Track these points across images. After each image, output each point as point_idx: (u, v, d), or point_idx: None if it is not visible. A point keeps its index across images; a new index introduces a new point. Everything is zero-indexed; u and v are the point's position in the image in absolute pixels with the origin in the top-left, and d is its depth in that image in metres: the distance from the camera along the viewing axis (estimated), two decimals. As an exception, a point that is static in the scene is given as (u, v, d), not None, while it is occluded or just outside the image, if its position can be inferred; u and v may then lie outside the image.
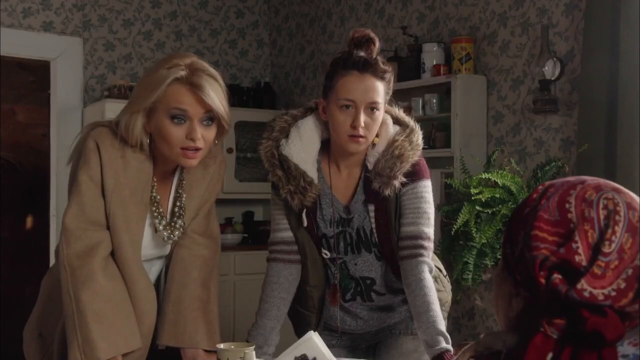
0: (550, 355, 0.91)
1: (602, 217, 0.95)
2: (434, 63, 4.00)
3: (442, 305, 2.12)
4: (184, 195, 2.02)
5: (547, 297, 0.94)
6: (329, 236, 2.14)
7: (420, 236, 2.06)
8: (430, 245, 2.08)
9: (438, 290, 2.12)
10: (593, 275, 0.92)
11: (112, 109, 4.46)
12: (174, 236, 2.00)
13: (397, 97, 4.42)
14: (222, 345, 1.92)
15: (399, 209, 2.08)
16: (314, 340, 1.88)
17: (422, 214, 2.07)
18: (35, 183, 5.09)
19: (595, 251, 0.94)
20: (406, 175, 2.05)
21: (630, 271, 0.93)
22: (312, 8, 5.14)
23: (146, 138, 1.91)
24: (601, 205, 0.96)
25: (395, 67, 4.19)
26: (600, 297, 0.92)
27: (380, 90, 2.01)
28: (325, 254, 2.16)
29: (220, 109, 1.86)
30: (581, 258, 0.93)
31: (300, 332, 2.15)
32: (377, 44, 2.05)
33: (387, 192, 2.04)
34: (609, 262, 0.93)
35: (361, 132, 1.99)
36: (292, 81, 5.31)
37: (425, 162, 2.12)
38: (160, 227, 1.99)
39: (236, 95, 5.09)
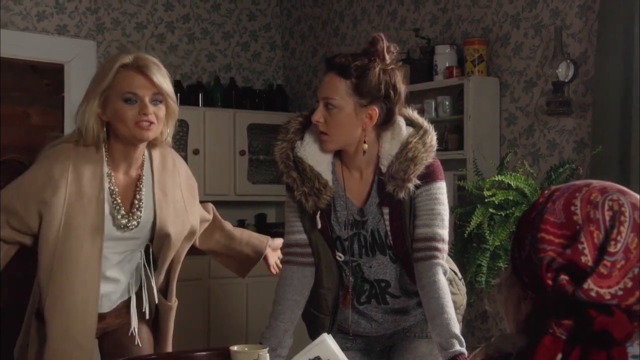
0: (559, 356, 0.92)
1: (607, 218, 0.96)
2: (447, 65, 4.00)
3: (456, 308, 2.12)
4: (144, 190, 2.19)
5: (554, 299, 0.95)
6: (343, 238, 2.14)
7: (434, 238, 2.05)
8: (444, 247, 2.07)
9: (453, 294, 2.12)
10: (599, 275, 0.93)
11: (126, 111, 4.49)
12: (130, 225, 2.16)
13: (410, 99, 4.42)
14: (235, 348, 1.93)
15: (413, 210, 2.07)
16: (328, 342, 1.88)
17: (436, 215, 2.06)
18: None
19: (601, 251, 0.95)
20: (420, 177, 2.04)
21: (636, 270, 0.94)
22: (324, 11, 5.15)
23: (102, 131, 2.11)
24: (606, 207, 0.97)
25: (407, 70, 4.19)
26: (607, 297, 0.93)
27: (338, 88, 2.01)
28: (340, 257, 2.16)
29: (166, 88, 2.07)
30: (587, 258, 0.94)
31: (314, 334, 2.15)
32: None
33: (401, 194, 2.03)
34: (615, 262, 0.94)
35: (320, 127, 2.04)
36: (304, 83, 5.32)
37: (439, 164, 2.11)
38: (119, 216, 2.15)
39: (248, 98, 5.11)
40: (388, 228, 2.09)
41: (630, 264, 0.94)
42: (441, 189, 2.09)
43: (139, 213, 2.17)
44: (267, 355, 1.76)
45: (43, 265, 2.13)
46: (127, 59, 2.08)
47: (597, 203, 0.98)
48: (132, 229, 2.18)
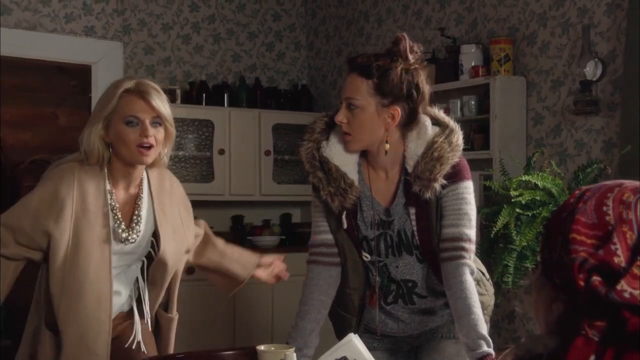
0: (592, 357, 0.91)
1: None
2: (472, 64, 3.98)
3: (484, 309, 2.11)
4: (142, 207, 2.30)
5: (587, 300, 0.94)
6: (370, 238, 2.14)
7: (461, 238, 2.04)
8: (471, 247, 2.06)
9: (480, 294, 2.10)
10: (633, 276, 0.92)
11: (152, 112, 4.53)
12: (131, 239, 2.26)
13: (435, 99, 4.40)
14: (262, 347, 1.93)
15: (440, 210, 2.06)
16: (354, 342, 1.88)
17: (463, 215, 2.05)
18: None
19: (635, 252, 0.93)
20: (446, 176, 2.03)
21: None
22: (349, 10, 5.14)
23: (106, 151, 2.23)
24: (639, 207, 0.95)
25: (432, 69, 4.18)
26: None
27: (360, 88, 2.02)
28: (366, 257, 2.16)
29: (164, 112, 2.21)
30: (620, 259, 0.93)
31: (340, 334, 2.15)
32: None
33: (428, 195, 2.03)
34: None
35: (343, 127, 2.05)
36: (329, 83, 5.32)
37: (466, 163, 2.10)
38: (119, 230, 2.25)
39: (273, 98, 5.12)
40: (415, 228, 2.08)
41: None
42: (468, 189, 2.08)
43: (137, 228, 2.28)
44: (294, 355, 1.77)
45: (55, 278, 2.20)
46: (130, 84, 2.22)
47: (630, 203, 0.96)
48: (132, 242, 2.27)
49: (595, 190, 1.01)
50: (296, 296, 2.26)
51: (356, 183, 2.10)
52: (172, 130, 2.26)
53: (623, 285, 0.92)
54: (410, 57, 2.03)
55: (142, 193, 2.31)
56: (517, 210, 3.15)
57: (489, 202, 3.54)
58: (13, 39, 4.47)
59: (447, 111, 4.00)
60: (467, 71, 4.00)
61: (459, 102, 4.00)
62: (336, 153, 2.10)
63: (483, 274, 2.28)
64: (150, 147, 2.18)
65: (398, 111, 2.03)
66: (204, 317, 4.45)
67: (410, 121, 2.06)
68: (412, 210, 2.08)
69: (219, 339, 4.41)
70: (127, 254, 2.30)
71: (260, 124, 4.89)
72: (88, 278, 2.21)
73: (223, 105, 4.88)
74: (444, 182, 2.03)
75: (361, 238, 2.15)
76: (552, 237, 1.01)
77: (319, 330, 2.18)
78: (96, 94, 4.78)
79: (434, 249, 2.08)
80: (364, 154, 2.14)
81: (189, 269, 4.39)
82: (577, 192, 1.04)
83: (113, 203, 2.26)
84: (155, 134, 2.20)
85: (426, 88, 2.07)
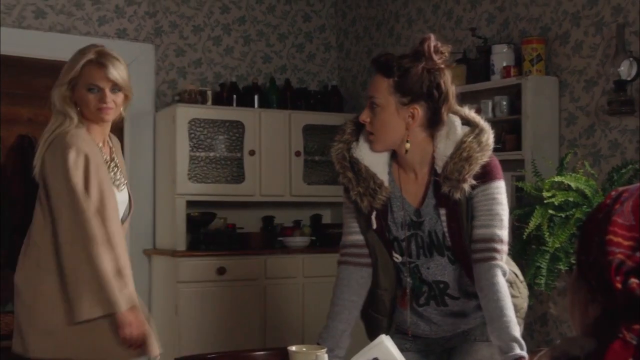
0: None
1: None
2: (504, 65, 3.94)
3: (517, 311, 2.09)
4: (116, 159, 2.69)
5: (624, 302, 0.93)
6: (401, 239, 2.14)
7: (492, 239, 2.02)
8: (503, 248, 2.04)
9: (513, 296, 2.08)
10: None
11: (183, 113, 4.56)
12: (122, 185, 2.65)
13: (466, 99, 4.37)
14: (294, 348, 1.94)
15: (471, 211, 2.05)
16: (386, 344, 1.88)
17: (495, 215, 2.03)
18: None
19: None
20: (476, 176, 2.02)
21: None
22: (379, 11, 5.13)
23: (74, 108, 2.55)
24: None
25: (463, 70, 4.15)
26: None
27: (381, 87, 2.04)
28: (397, 258, 2.15)
29: (121, 81, 2.58)
30: None
31: (372, 335, 2.14)
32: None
33: (457, 195, 2.02)
34: None
35: (367, 127, 2.09)
36: (359, 84, 5.32)
37: (497, 163, 2.08)
38: (111, 173, 2.61)
39: (303, 99, 5.13)
40: (445, 229, 2.07)
41: None
42: (499, 189, 2.06)
43: (121, 177, 2.65)
44: (326, 355, 1.77)
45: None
46: (92, 55, 2.58)
47: None
48: (122, 189, 2.64)
49: (633, 192, 0.99)
50: (327, 297, 2.27)
51: (386, 183, 2.10)
52: (130, 94, 2.65)
53: None
54: (435, 57, 2.03)
55: (113, 150, 2.68)
56: (550, 211, 3.11)
57: (521, 204, 3.51)
58: (47, 42, 4.54)
59: (479, 112, 3.97)
60: (499, 71, 3.96)
61: (490, 103, 3.97)
62: (366, 154, 2.11)
63: (517, 275, 2.26)
64: (108, 109, 2.56)
65: (418, 110, 2.03)
66: (235, 317, 4.47)
67: (434, 121, 2.06)
68: (443, 211, 2.07)
69: (250, 339, 4.43)
70: (121, 204, 2.61)
71: (290, 125, 4.90)
72: (117, 231, 2.50)
73: (253, 106, 4.90)
74: (473, 182, 2.01)
75: (392, 239, 2.15)
76: (588, 238, 1.00)
77: (350, 331, 2.18)
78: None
79: (466, 250, 2.06)
80: (395, 155, 2.14)
81: (220, 269, 4.43)
82: (613, 193, 1.02)
83: (105, 156, 2.60)
84: (115, 99, 2.58)
85: (451, 89, 2.06)
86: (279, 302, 4.62)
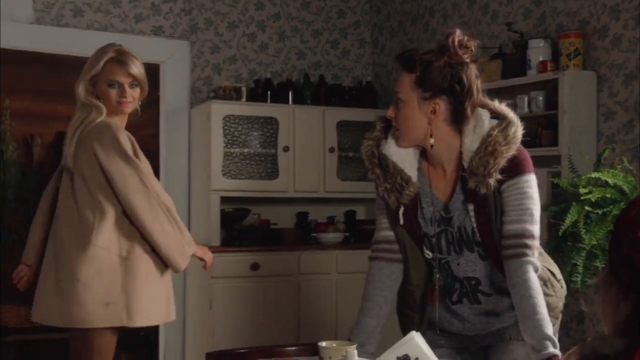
0: None
1: None
2: (540, 59, 3.89)
3: (551, 310, 2.05)
4: None
5: None
6: (430, 235, 2.12)
7: (523, 234, 1.99)
8: (534, 243, 2.00)
9: (547, 295, 2.05)
10: None
11: (218, 109, 4.59)
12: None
13: (502, 95, 4.31)
14: (324, 344, 1.93)
15: (501, 206, 2.02)
16: (416, 340, 1.86)
17: (525, 210, 1.99)
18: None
19: None
20: (504, 170, 1.99)
21: None
22: (414, 6, 5.10)
23: (98, 100, 2.83)
24: None
25: (499, 65, 4.11)
26: None
27: (404, 82, 2.05)
28: (428, 254, 2.14)
29: (140, 76, 2.85)
30: None
31: (405, 331, 2.13)
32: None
33: (483, 190, 2.00)
34: None
35: (393, 122, 2.11)
36: (393, 80, 5.29)
37: (526, 155, 2.04)
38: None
39: (338, 95, 5.12)
40: (474, 225, 2.05)
41: None
42: (529, 182, 2.02)
43: None
44: (355, 351, 1.76)
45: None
46: (112, 54, 2.84)
47: None
48: None
49: None
50: (360, 293, 2.26)
51: (414, 179, 2.09)
52: (145, 88, 2.91)
53: None
54: (459, 51, 2.01)
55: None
56: (587, 208, 3.07)
57: (557, 200, 3.46)
58: (85, 40, 4.60)
59: (514, 107, 3.93)
60: (535, 66, 3.91)
61: (526, 98, 3.92)
62: (394, 150, 2.11)
63: (553, 274, 2.21)
64: (127, 102, 2.83)
65: (439, 105, 2.02)
66: (269, 313, 4.49)
67: (457, 116, 2.04)
68: (471, 207, 2.05)
69: (283, 335, 4.44)
70: None
71: (324, 121, 4.90)
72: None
73: (288, 102, 4.90)
74: (500, 176, 1.98)
75: (422, 235, 2.14)
76: (620, 234, 0.98)
77: (381, 326, 2.17)
78: (164, 92, 4.88)
79: (496, 246, 2.04)
80: (425, 151, 2.13)
81: (254, 265, 4.45)
82: None
83: (135, 145, 2.82)
84: (133, 93, 2.84)
85: (475, 83, 2.03)
86: (312, 298, 4.63)
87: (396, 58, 2.12)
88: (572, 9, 3.96)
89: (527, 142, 3.86)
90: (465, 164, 2.03)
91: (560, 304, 2.24)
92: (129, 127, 2.91)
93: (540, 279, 2.05)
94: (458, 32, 2.03)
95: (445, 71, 2.00)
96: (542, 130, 3.83)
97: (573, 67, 3.76)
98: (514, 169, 1.99)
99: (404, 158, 2.10)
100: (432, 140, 2.05)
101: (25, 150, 6.17)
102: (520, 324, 1.97)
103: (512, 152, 1.99)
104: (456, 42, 2.01)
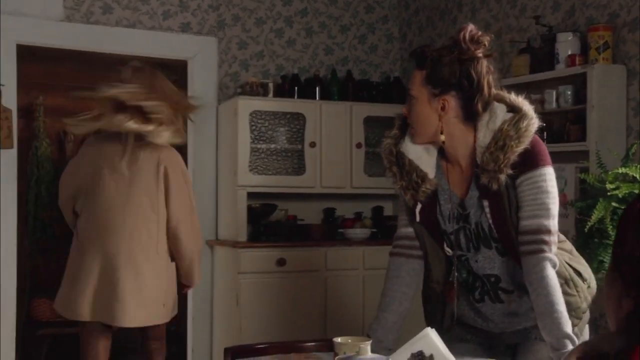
0: None
1: None
2: (569, 53, 3.83)
3: (572, 310, 2.02)
4: None
5: None
6: (449, 232, 2.10)
7: (540, 230, 1.94)
8: (552, 239, 1.95)
9: (568, 294, 2.01)
10: None
11: (245, 105, 4.60)
12: None
13: (530, 89, 4.25)
14: (339, 339, 1.93)
15: (516, 201, 1.98)
16: (431, 337, 1.85)
17: (540, 205, 1.95)
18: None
19: None
20: (517, 165, 1.95)
21: None
22: (442, 1, 5.06)
23: None
24: None
25: (527, 59, 4.05)
26: None
27: (415, 78, 2.04)
28: (448, 251, 2.12)
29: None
30: None
31: (430, 326, 2.12)
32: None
33: (496, 186, 1.96)
34: None
35: (408, 120, 2.08)
36: (422, 75, 5.25)
37: (542, 148, 1.99)
38: None
39: (365, 91, 5.10)
40: (490, 221, 2.02)
41: None
42: (544, 175, 1.97)
43: None
44: (369, 347, 1.75)
45: None
46: None
47: None
48: None
49: None
50: None
51: (430, 176, 2.08)
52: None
53: None
54: (471, 46, 1.98)
55: None
56: (614, 204, 3.01)
57: (585, 196, 3.41)
58: (114, 37, 4.65)
59: (542, 102, 3.87)
60: (564, 60, 3.85)
61: (554, 93, 3.86)
62: (412, 147, 2.09)
63: (579, 274, 2.15)
64: None
65: (448, 101, 2.00)
66: (296, 308, 4.49)
67: (468, 112, 2.02)
68: (486, 203, 2.01)
69: (310, 330, 4.45)
70: None
71: (351, 117, 4.89)
72: None
73: (315, 98, 4.90)
74: (510, 171, 1.95)
75: (441, 232, 2.12)
76: (624, 230, 0.96)
77: (401, 323, 2.16)
78: (192, 88, 4.90)
79: (514, 242, 2.00)
80: (443, 149, 2.11)
81: (280, 260, 4.46)
82: None
83: None
84: None
85: (485, 78, 2.00)
86: (339, 294, 4.62)
87: (409, 54, 2.12)
88: (602, 1, 3.89)
89: (555, 137, 3.82)
90: (478, 160, 2.00)
91: (584, 304, 2.18)
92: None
93: (561, 276, 2.01)
94: (471, 27, 2.01)
95: (454, 67, 1.98)
96: (570, 125, 3.78)
97: (602, 60, 3.70)
98: (528, 162, 1.95)
99: (420, 155, 2.09)
100: (442, 137, 2.03)
101: (58, 147, 6.25)
102: (539, 322, 1.93)
103: (523, 145, 1.94)
104: (467, 37, 1.98)
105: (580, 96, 3.78)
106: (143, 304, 3.17)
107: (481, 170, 1.99)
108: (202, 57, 4.89)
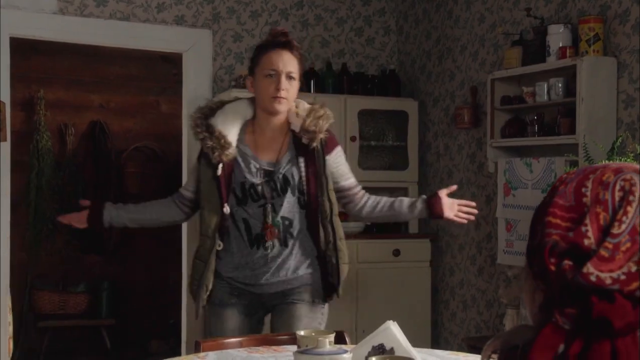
0: (561, 347, 0.84)
1: (617, 198, 0.87)
2: (560, 45, 3.79)
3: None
4: None
5: (558, 286, 0.87)
6: (257, 184, 2.59)
7: (357, 185, 2.78)
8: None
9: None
10: (600, 258, 0.85)
11: (238, 98, 4.59)
12: None
13: (521, 82, 4.20)
14: (302, 333, 1.94)
15: (331, 170, 2.66)
16: (392, 330, 1.85)
17: (349, 171, 2.78)
18: (176, 171, 5.34)
19: (605, 233, 0.86)
20: (324, 142, 2.62)
21: None
22: (438, -8, 5.02)
23: None
24: (617, 187, 0.88)
25: (519, 51, 4.02)
26: (608, 281, 0.84)
27: (293, 60, 2.62)
28: (226, 210, 2.60)
29: None
30: (590, 241, 0.86)
31: (195, 279, 2.70)
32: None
33: (314, 144, 2.58)
34: (619, 244, 0.85)
35: (282, 94, 2.58)
36: (417, 68, 5.23)
37: (332, 134, 2.71)
38: None
39: (360, 84, 5.08)
40: (303, 173, 2.60)
41: (636, 247, 0.84)
42: (341, 151, 2.77)
43: None
44: (327, 342, 1.75)
45: None
46: None
47: (609, 184, 0.88)
48: None
49: (579, 172, 0.93)
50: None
51: (234, 144, 2.60)
52: None
53: (589, 268, 0.85)
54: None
55: None
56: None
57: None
58: (108, 30, 4.65)
59: (533, 95, 3.84)
60: (555, 52, 3.81)
61: (545, 85, 3.83)
62: (220, 121, 2.62)
63: None
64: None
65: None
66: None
67: None
68: (302, 159, 2.60)
69: (344, 321, 4.37)
70: None
71: (345, 110, 4.87)
72: None
73: (309, 91, 4.88)
74: (326, 134, 2.61)
75: (248, 186, 2.61)
76: (533, 222, 0.95)
77: (133, 217, 2.78)
78: (187, 81, 4.91)
79: (317, 197, 2.59)
80: (251, 122, 2.71)
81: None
82: (564, 175, 0.96)
83: None
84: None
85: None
86: (369, 284, 4.60)
87: (279, 35, 2.66)
88: (594, -7, 3.85)
89: (546, 130, 3.79)
90: (297, 128, 2.59)
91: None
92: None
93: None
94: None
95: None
96: (561, 118, 3.74)
97: (593, 53, 3.66)
98: (331, 141, 2.67)
99: (228, 127, 2.62)
100: (298, 110, 2.70)
101: (59, 140, 6.29)
102: (389, 211, 2.74)
103: (331, 120, 2.64)
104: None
105: (571, 89, 3.74)
106: None
107: (303, 133, 2.58)
108: (196, 50, 4.88)
